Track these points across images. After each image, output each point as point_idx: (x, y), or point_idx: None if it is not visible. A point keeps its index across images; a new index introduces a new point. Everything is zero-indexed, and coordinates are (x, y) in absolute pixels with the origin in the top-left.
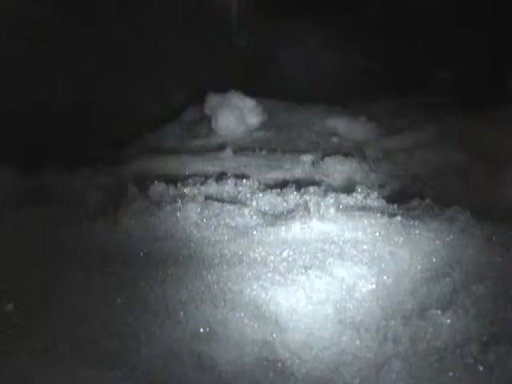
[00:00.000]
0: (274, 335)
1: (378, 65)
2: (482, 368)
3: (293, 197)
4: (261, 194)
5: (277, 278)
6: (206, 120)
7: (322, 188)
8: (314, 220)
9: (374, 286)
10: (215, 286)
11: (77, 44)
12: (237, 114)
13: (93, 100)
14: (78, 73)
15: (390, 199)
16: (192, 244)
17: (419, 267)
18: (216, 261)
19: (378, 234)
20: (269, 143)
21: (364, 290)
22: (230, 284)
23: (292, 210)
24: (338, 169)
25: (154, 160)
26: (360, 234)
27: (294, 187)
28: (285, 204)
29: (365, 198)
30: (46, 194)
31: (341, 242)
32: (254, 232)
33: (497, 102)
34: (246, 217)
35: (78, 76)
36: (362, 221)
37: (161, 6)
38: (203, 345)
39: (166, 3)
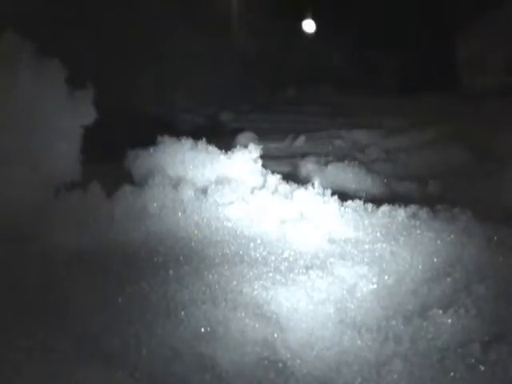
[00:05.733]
0: (275, 335)
1: None
2: (483, 368)
3: (296, 195)
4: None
5: (278, 277)
6: None
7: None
8: (315, 220)
9: (374, 286)
10: (216, 286)
11: None
12: None
13: None
14: None
15: (390, 199)
16: (193, 243)
17: (420, 267)
18: (217, 260)
19: (378, 234)
20: None
21: (365, 289)
22: (230, 284)
23: (293, 209)
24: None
25: None
26: (361, 233)
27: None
28: (286, 202)
29: (365, 198)
30: None
31: (342, 242)
32: (255, 231)
33: None
34: (248, 217)
35: None
36: (363, 220)
37: None
38: (204, 345)
39: None
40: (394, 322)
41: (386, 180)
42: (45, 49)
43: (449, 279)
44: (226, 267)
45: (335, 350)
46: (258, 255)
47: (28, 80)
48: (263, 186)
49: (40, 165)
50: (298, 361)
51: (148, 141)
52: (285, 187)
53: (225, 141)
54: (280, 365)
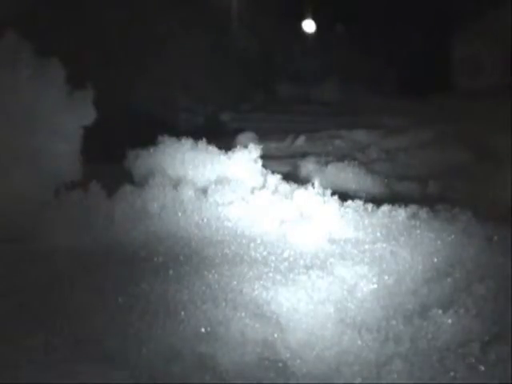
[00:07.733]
0: (275, 335)
1: None
2: (483, 368)
3: (296, 195)
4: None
5: (278, 277)
6: None
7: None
8: (315, 220)
9: (375, 286)
10: (216, 286)
11: None
12: None
13: None
14: None
15: (390, 199)
16: (193, 243)
17: (420, 267)
18: (217, 260)
19: (379, 234)
20: None
21: (365, 289)
22: (230, 284)
23: (294, 209)
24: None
25: None
26: (361, 233)
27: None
28: (286, 202)
29: (365, 198)
30: None
31: (342, 242)
32: (255, 231)
33: None
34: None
35: None
36: (363, 220)
37: None
38: (204, 344)
39: None
40: (394, 322)
41: (386, 180)
42: (45, 49)
43: (449, 279)
44: (226, 267)
45: (335, 350)
46: (258, 255)
47: (28, 80)
48: (263, 186)
49: (40, 165)
50: (298, 361)
51: (148, 141)
52: (285, 187)
53: (225, 141)
54: (280, 365)
